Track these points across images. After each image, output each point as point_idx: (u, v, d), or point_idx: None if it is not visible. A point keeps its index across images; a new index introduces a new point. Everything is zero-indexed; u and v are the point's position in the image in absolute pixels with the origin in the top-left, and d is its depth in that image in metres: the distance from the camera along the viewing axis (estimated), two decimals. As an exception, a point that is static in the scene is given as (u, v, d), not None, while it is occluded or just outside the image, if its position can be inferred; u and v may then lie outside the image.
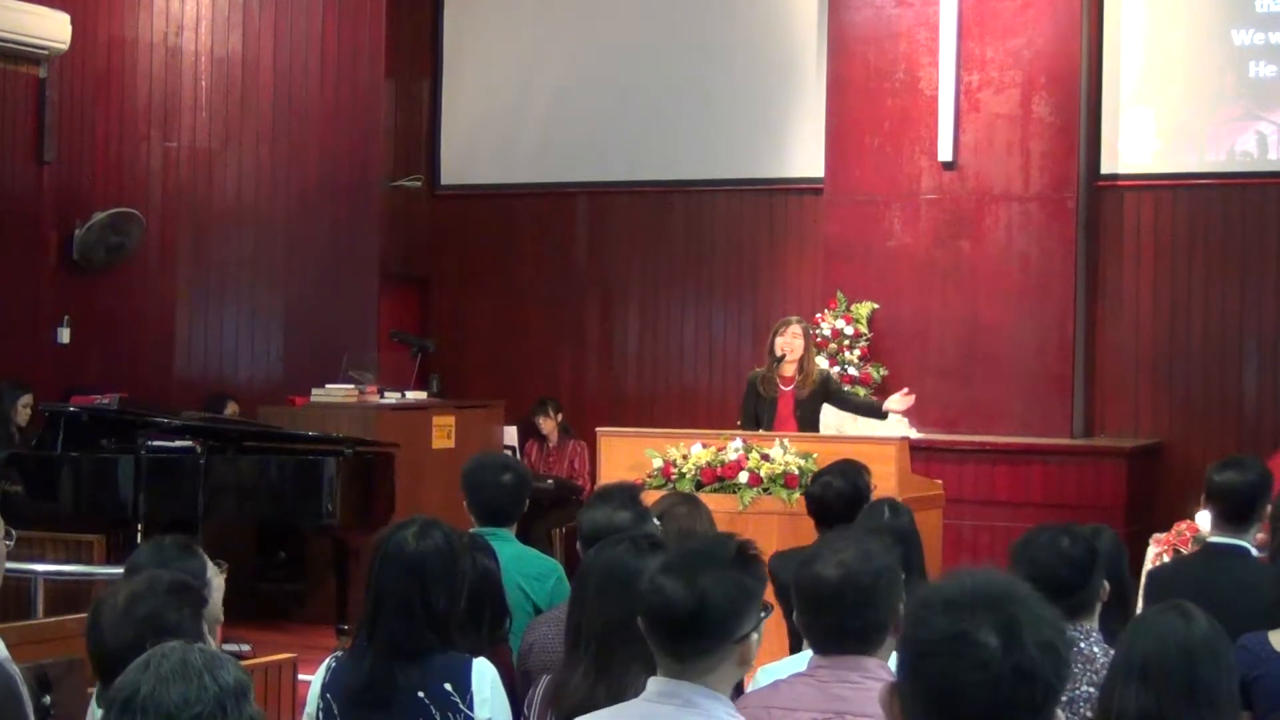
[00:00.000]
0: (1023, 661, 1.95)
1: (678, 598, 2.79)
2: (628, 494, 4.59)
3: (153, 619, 3.20)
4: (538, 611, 4.77)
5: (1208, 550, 4.99)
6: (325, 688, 3.71)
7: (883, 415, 8.89)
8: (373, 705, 3.61)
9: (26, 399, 9.72)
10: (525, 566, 4.97)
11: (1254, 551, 4.91)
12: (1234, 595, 4.47)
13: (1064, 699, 3.59)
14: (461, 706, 3.59)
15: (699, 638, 2.80)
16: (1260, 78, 10.78)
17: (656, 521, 4.56)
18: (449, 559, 3.70)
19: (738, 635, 2.82)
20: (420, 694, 3.59)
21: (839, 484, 5.55)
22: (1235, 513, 4.88)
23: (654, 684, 2.85)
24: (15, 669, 3.61)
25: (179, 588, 3.34)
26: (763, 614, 2.88)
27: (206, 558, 3.93)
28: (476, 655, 3.71)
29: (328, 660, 3.78)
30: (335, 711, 3.67)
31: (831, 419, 9.38)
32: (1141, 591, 5.40)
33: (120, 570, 7.64)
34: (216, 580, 3.95)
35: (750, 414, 8.48)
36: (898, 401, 8.72)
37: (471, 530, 4.85)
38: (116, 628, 3.22)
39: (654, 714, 2.81)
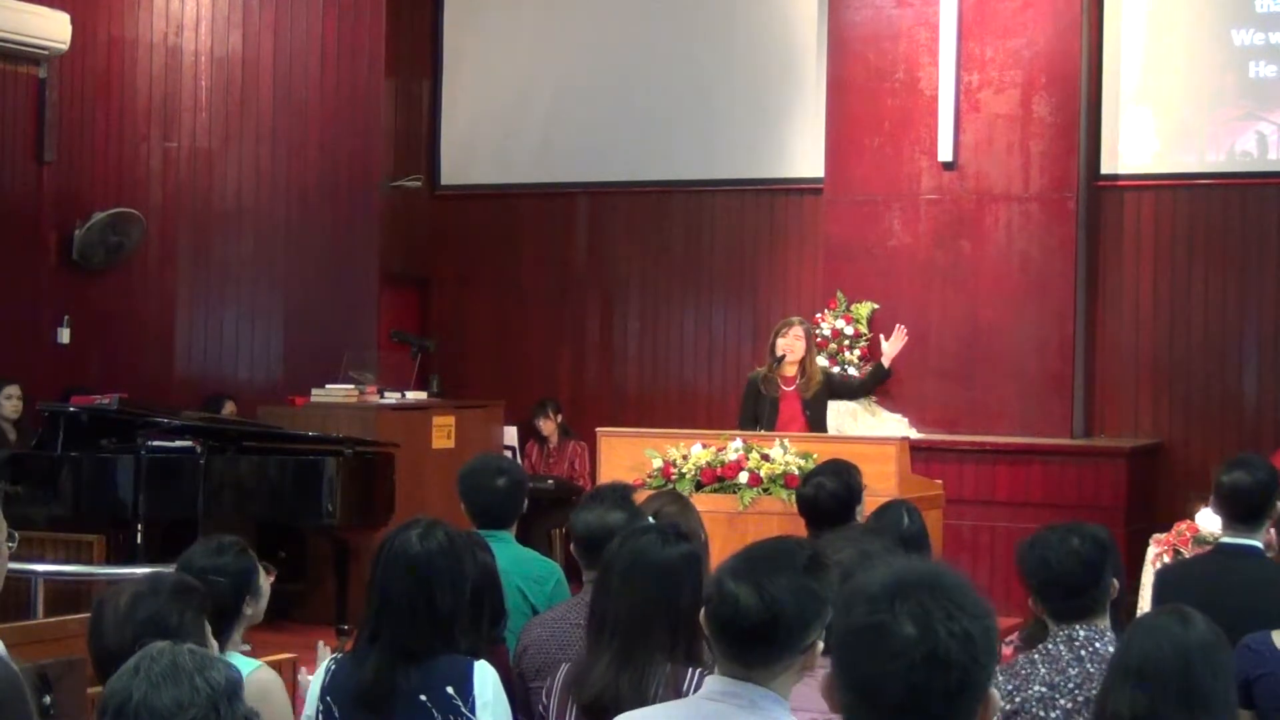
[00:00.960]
0: (936, 649, 1.98)
1: (749, 606, 2.71)
2: (620, 494, 4.58)
3: (154, 620, 3.19)
4: (536, 614, 4.76)
5: (1220, 551, 4.99)
6: (325, 690, 3.68)
7: (888, 371, 9.07)
8: (375, 708, 3.59)
9: (10, 389, 9.66)
10: (524, 569, 4.96)
11: (1266, 552, 4.91)
12: (1248, 596, 4.47)
13: (1080, 699, 3.61)
14: (464, 710, 3.57)
15: (768, 646, 2.74)
16: (1260, 78, 10.77)
17: (651, 520, 4.55)
18: (453, 560, 3.69)
19: (805, 644, 2.77)
20: (422, 697, 3.57)
21: (832, 484, 5.48)
22: (1245, 513, 4.88)
23: (714, 682, 2.80)
24: (15, 668, 3.60)
25: (182, 589, 3.33)
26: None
27: (256, 560, 3.92)
28: (476, 654, 3.70)
29: (326, 662, 3.76)
30: (336, 714, 3.65)
31: (831, 420, 9.38)
32: (1151, 592, 5.39)
33: (122, 570, 7.67)
34: (265, 586, 3.94)
35: (750, 414, 8.47)
36: (894, 343, 8.87)
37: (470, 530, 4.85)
38: (118, 628, 3.21)
39: (715, 713, 2.76)
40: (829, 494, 5.46)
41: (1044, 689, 3.67)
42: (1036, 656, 3.75)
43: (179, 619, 3.23)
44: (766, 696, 2.74)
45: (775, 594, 2.71)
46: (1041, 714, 3.65)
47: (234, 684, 2.24)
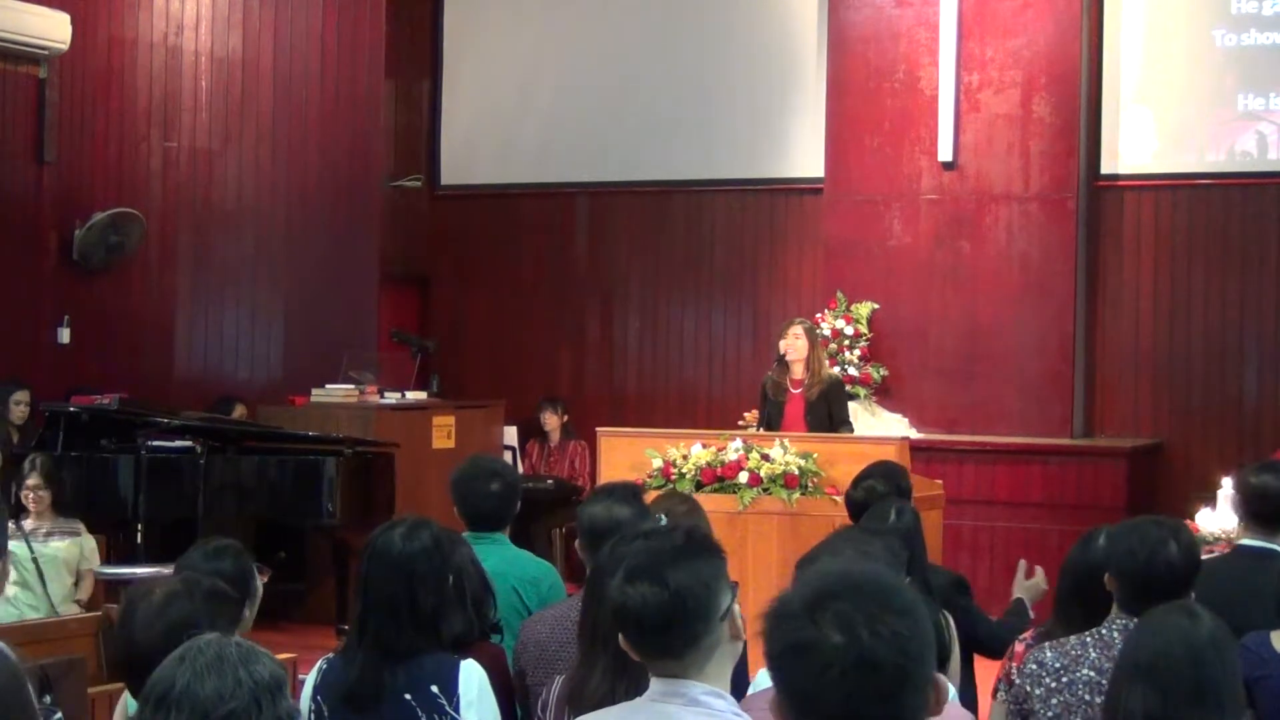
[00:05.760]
0: (863, 652, 1.99)
1: (656, 602, 2.77)
2: (629, 490, 4.57)
3: (187, 622, 3.16)
4: (531, 615, 4.74)
5: (1239, 552, 4.98)
6: (316, 689, 3.69)
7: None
8: (360, 707, 3.60)
9: (20, 395, 9.65)
10: (519, 570, 4.94)
11: None
12: (1265, 597, 4.46)
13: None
14: (448, 709, 3.57)
15: (688, 629, 2.79)
16: (1260, 78, 10.77)
17: (663, 519, 4.54)
18: (437, 559, 3.70)
19: (721, 613, 2.82)
20: (407, 696, 3.58)
21: (883, 488, 5.39)
22: (1270, 515, 4.87)
23: (656, 684, 2.84)
24: (14, 657, 3.58)
25: (216, 594, 3.31)
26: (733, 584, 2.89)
27: (252, 564, 3.91)
28: (471, 640, 3.70)
29: (320, 662, 3.77)
30: (325, 713, 3.66)
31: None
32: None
33: (122, 570, 7.66)
34: (259, 588, 3.93)
35: (763, 419, 8.44)
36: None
37: (465, 534, 4.82)
38: (148, 626, 3.18)
39: (661, 712, 2.80)
40: (880, 499, 5.30)
41: (1093, 673, 3.68)
42: (1089, 639, 3.76)
43: (210, 624, 3.19)
44: (709, 691, 2.79)
45: (677, 582, 2.77)
46: (1087, 697, 3.66)
47: (278, 679, 2.23)
